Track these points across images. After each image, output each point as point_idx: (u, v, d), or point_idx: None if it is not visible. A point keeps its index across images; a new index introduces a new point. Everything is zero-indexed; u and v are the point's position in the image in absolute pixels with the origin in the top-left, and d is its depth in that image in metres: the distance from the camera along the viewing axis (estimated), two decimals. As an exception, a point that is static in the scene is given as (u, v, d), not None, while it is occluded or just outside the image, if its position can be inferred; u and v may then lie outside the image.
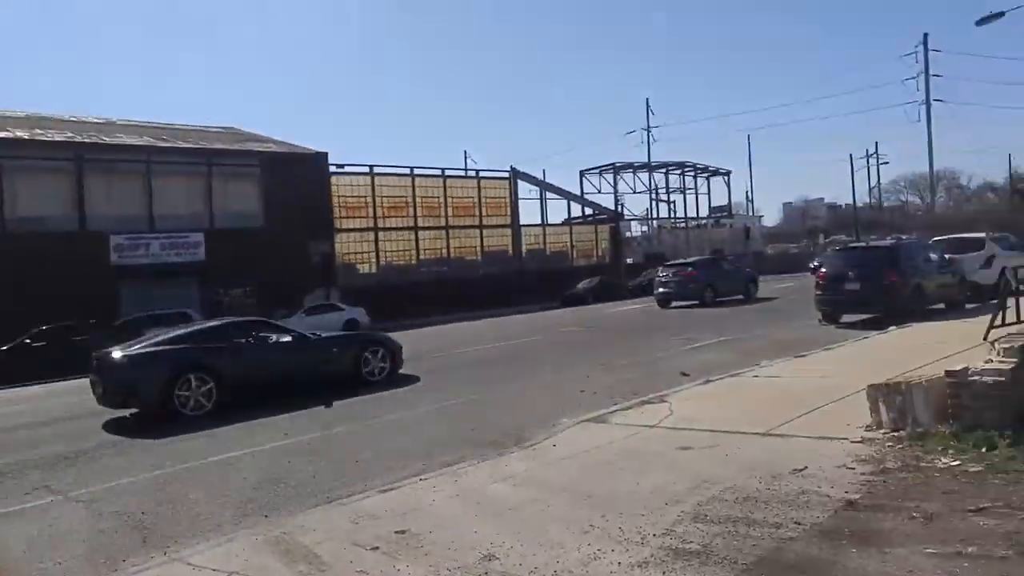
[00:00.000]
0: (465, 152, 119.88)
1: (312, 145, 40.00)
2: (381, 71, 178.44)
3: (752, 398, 9.04)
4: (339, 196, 40.70)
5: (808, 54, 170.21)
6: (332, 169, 39.76)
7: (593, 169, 66.12)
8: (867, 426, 6.97)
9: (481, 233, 47.37)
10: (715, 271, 30.05)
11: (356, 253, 42.38)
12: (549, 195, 54.64)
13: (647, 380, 11.41)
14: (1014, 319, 7.69)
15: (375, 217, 42.61)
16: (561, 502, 5.61)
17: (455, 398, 11.50)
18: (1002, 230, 30.97)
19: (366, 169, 42.39)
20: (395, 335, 15.88)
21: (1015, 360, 6.56)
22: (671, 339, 16.90)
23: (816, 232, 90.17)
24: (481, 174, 49.45)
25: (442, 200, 45.43)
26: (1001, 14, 25.89)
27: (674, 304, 28.31)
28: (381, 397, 12.18)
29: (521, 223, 49.74)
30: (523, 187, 51.07)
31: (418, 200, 44.45)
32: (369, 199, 42.36)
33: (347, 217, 41.38)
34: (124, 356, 12.06)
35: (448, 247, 45.66)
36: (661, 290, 29.24)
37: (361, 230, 42.18)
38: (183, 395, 11.52)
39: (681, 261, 32.88)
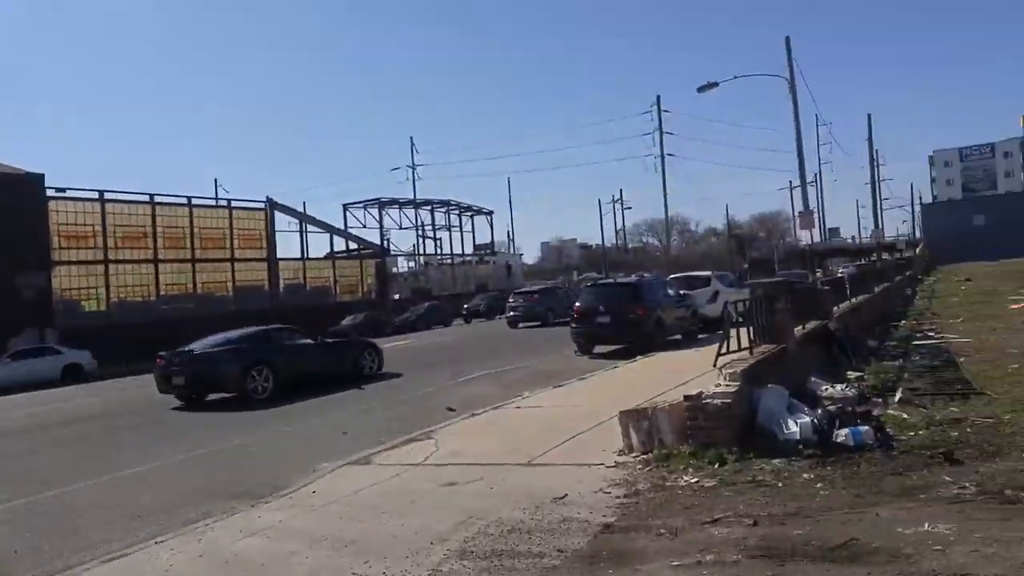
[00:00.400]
0: (216, 180, 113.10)
1: (38, 168, 35.11)
2: (130, 91, 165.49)
3: (515, 429, 9.29)
4: (59, 224, 35.82)
5: (565, 105, 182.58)
6: (50, 193, 35.22)
7: (357, 203, 65.04)
8: (620, 450, 7.42)
9: (233, 267, 44.20)
10: (553, 298, 35.03)
11: (81, 288, 37.42)
12: (311, 228, 52.94)
13: (413, 417, 11.32)
14: (736, 347, 8.54)
15: (106, 248, 37.95)
16: (320, 552, 5.33)
17: (203, 447, 10.59)
18: (723, 269, 34.90)
19: (95, 195, 37.72)
20: (126, 381, 14.51)
21: (738, 383, 7.34)
22: (438, 374, 16.99)
23: (570, 270, 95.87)
24: (233, 204, 46.30)
25: (188, 231, 41.79)
26: (716, 84, 29.35)
27: (521, 325, 33.08)
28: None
29: (279, 256, 47.58)
30: (282, 219, 48.90)
31: (160, 230, 40.23)
32: (98, 228, 37.57)
33: (69, 248, 36.35)
34: (206, 352, 15.35)
35: (195, 282, 41.95)
36: (511, 313, 34.21)
37: (87, 263, 37.13)
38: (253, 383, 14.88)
39: (527, 289, 39.68)
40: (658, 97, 69.78)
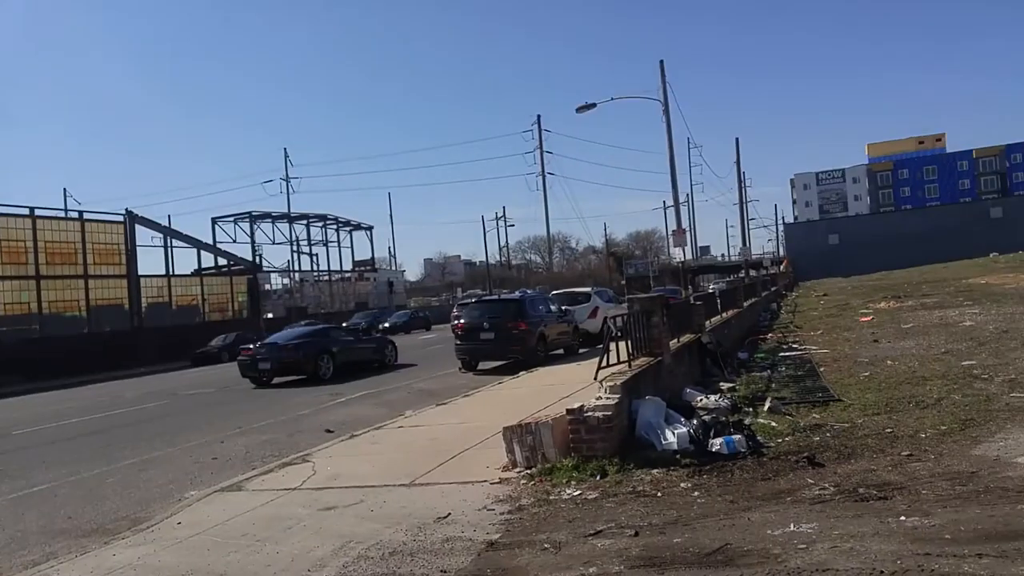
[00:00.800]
0: (65, 191, 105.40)
1: None
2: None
3: (397, 449, 9.13)
4: None
5: (449, 121, 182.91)
6: None
7: (227, 217, 62.10)
8: (504, 466, 7.42)
9: (87, 284, 41.13)
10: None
11: None
12: (176, 243, 50.29)
13: (290, 440, 10.98)
14: (616, 361, 8.74)
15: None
16: (185, 589, 5.02)
17: (47, 481, 9.67)
18: (602, 286, 35.70)
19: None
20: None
21: (618, 396, 7.51)
22: (317, 395, 16.55)
23: (454, 286, 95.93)
24: (86, 216, 42.99)
25: (31, 245, 38.40)
26: (594, 105, 30.23)
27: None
28: None
29: (141, 273, 44.97)
30: (143, 233, 46.19)
31: (-7, 244, 36.70)
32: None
33: None
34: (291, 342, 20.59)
35: (40, 301, 38.57)
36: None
37: None
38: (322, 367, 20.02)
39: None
40: (538, 116, 71.44)
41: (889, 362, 11.68)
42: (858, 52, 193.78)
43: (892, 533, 4.42)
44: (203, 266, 52.52)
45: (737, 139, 75.10)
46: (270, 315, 55.73)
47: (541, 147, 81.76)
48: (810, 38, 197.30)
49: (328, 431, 11.37)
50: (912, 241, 67.03)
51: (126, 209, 44.65)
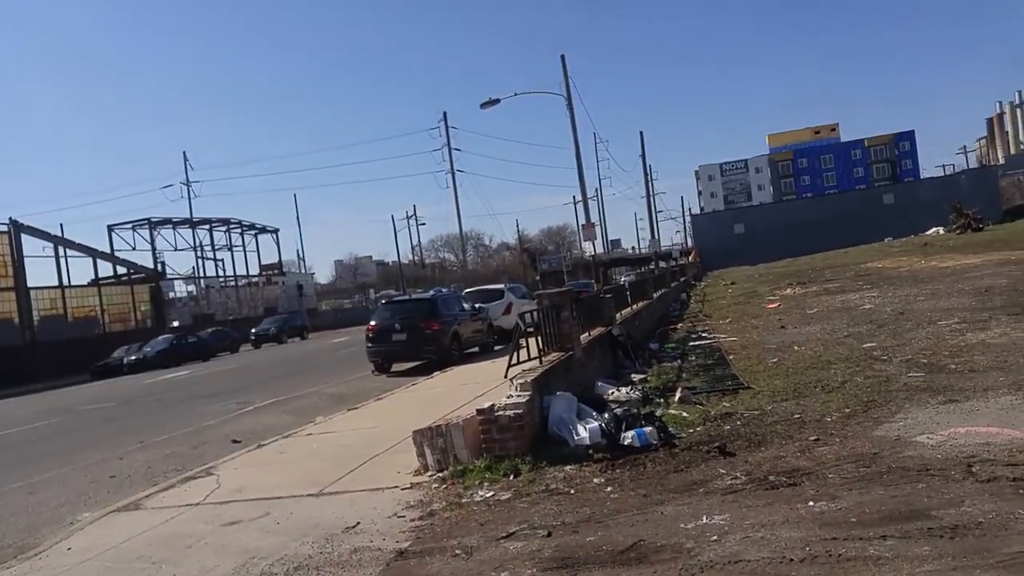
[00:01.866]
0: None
1: None
2: None
3: (306, 458, 8.80)
4: None
5: (355, 118, 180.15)
6: None
7: (125, 224, 59.53)
8: (416, 471, 7.22)
9: None
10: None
11: None
12: (70, 252, 47.86)
13: (194, 453, 10.52)
14: (527, 357, 8.65)
15: None
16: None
17: None
18: (517, 282, 35.79)
19: None
20: None
21: (529, 393, 7.40)
22: (223, 404, 15.93)
23: (367, 288, 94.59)
24: None
25: None
26: (498, 100, 30.20)
27: None
28: None
29: (31, 285, 42.60)
30: (32, 244, 43.89)
31: None
32: None
33: None
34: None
35: None
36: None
37: None
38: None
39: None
40: (444, 114, 71.29)
41: (796, 347, 11.98)
42: (756, 45, 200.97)
43: (801, 519, 4.44)
44: (101, 275, 50.20)
45: (641, 132, 76.32)
46: (176, 323, 53.80)
47: (449, 144, 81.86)
48: (709, 31, 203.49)
49: (235, 441, 10.93)
50: (814, 228, 69.66)
51: (10, 218, 42.34)
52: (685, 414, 8.01)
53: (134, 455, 11.07)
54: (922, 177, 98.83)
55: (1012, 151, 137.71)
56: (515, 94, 31.95)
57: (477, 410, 7.17)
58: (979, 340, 10.17)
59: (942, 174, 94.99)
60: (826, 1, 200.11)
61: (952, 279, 19.95)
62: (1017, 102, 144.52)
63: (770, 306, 20.70)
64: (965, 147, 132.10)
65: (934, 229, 53.63)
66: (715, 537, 4.38)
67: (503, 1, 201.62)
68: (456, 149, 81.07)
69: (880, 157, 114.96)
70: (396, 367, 18.52)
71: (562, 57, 31.00)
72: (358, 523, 5.82)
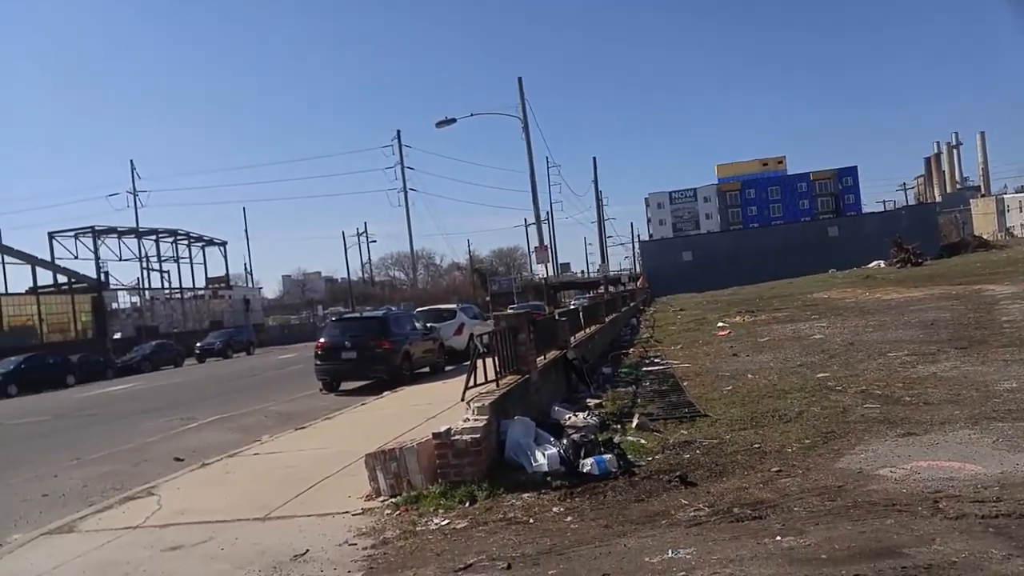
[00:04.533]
0: None
1: None
2: None
3: (252, 479, 8.48)
4: None
5: (308, 134, 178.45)
6: None
7: (67, 231, 57.55)
8: (367, 495, 6.97)
9: None
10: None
11: None
12: (7, 259, 46.18)
13: (134, 471, 10.09)
14: (483, 379, 8.48)
15: None
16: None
17: None
18: (467, 302, 35.57)
19: None
20: None
21: (486, 417, 7.22)
22: (166, 420, 15.36)
23: (315, 304, 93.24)
24: None
25: None
26: (454, 120, 30.15)
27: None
28: None
29: (-37, 293, 40.97)
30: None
31: None
32: None
33: None
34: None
35: None
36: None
37: None
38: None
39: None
40: (398, 132, 71.08)
41: (749, 375, 12.02)
42: (708, 75, 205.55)
43: (770, 555, 4.33)
44: (40, 284, 48.48)
45: (595, 158, 77.81)
46: (118, 335, 52.20)
47: (402, 162, 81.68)
48: (662, 63, 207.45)
49: (177, 459, 10.53)
50: (760, 257, 70.96)
51: (-61, 223, 40.71)
52: (643, 441, 7.91)
53: (69, 472, 10.54)
54: (864, 211, 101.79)
55: (948, 190, 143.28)
56: (471, 114, 32.01)
57: (433, 434, 6.96)
58: (930, 373, 10.32)
59: (882, 209, 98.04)
60: (780, 36, 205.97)
61: (897, 311, 20.39)
62: (954, 143, 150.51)
63: (720, 333, 20.88)
64: (905, 184, 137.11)
65: (876, 262, 55.11)
66: (682, 572, 4.25)
67: (460, 25, 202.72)
68: (409, 168, 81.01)
69: (824, 190, 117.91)
70: (345, 386, 18.13)
71: (519, 80, 31.19)
72: (307, 551, 5.57)
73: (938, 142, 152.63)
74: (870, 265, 54.70)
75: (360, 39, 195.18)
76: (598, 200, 63.90)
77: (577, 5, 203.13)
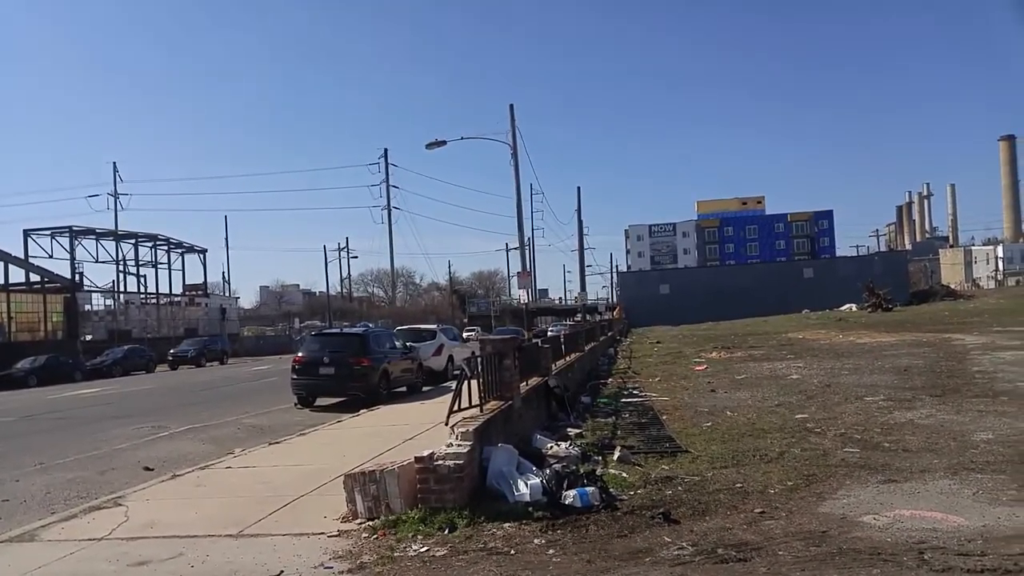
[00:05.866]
0: None
1: None
2: None
3: (225, 493, 8.32)
4: None
5: (294, 146, 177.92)
6: None
7: (43, 230, 56.73)
8: (344, 516, 6.86)
9: None
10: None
11: None
12: (-23, 255, 45.29)
13: (101, 478, 9.85)
14: (467, 404, 8.40)
15: None
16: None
17: None
18: (445, 323, 35.43)
19: None
20: None
21: (470, 443, 7.14)
22: (136, 428, 15.06)
23: (292, 316, 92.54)
24: None
25: None
26: (444, 142, 30.24)
27: None
28: None
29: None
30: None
31: None
32: None
33: None
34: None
35: None
36: None
37: None
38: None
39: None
40: (385, 150, 71.15)
41: (728, 412, 12.04)
42: (689, 113, 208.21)
43: (757, 600, 4.30)
44: (10, 281, 47.59)
45: (579, 188, 77.73)
46: (89, 337, 51.36)
47: (388, 180, 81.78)
48: (645, 96, 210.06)
49: (147, 469, 10.32)
50: (736, 295, 71.38)
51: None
52: (625, 475, 7.86)
53: (32, 477, 10.25)
54: (837, 255, 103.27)
55: (918, 238, 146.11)
56: (461, 137, 32.15)
57: (416, 457, 6.87)
58: (907, 419, 10.40)
59: (855, 254, 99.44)
60: (766, 79, 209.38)
61: (871, 356, 20.58)
62: (925, 193, 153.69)
63: (698, 368, 20.93)
64: (877, 230, 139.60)
65: (848, 305, 55.82)
66: (667, 613, 4.20)
67: (457, 46, 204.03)
68: (394, 186, 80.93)
69: (801, 232, 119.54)
70: (320, 401, 17.93)
71: (511, 107, 31.28)
72: (281, 572, 5.45)
73: (909, 191, 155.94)
74: (842, 308, 55.38)
75: (357, 58, 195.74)
76: (580, 230, 64.04)
77: (570, 36, 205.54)
